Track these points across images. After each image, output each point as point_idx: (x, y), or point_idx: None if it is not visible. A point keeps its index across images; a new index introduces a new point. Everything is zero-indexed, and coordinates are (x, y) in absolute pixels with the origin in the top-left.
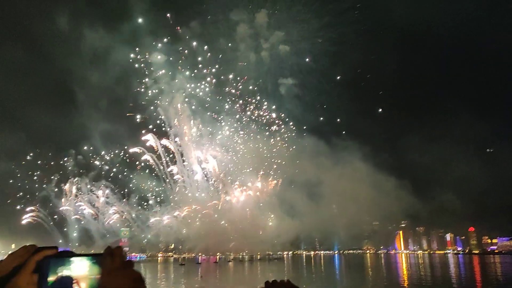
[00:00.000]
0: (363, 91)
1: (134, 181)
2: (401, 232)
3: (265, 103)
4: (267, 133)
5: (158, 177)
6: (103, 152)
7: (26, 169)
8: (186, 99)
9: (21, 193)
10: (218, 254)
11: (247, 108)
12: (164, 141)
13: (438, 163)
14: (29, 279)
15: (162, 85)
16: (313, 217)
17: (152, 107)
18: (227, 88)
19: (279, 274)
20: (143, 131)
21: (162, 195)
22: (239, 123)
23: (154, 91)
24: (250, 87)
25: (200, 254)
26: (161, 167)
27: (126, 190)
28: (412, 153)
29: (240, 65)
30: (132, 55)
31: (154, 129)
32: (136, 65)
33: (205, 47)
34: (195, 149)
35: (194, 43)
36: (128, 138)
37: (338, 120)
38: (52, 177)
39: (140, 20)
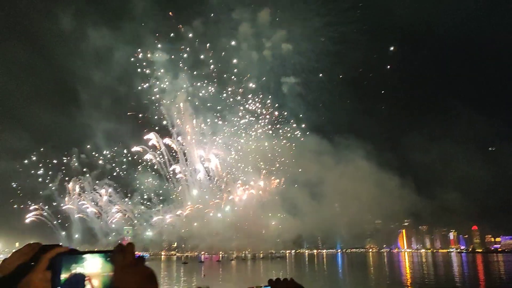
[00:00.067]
0: (365, 90)
1: (137, 180)
2: (404, 230)
3: (268, 101)
4: (270, 131)
5: (161, 176)
6: (106, 151)
7: (29, 168)
8: (189, 98)
9: (24, 192)
10: (220, 252)
11: (250, 107)
12: (167, 140)
13: (441, 162)
14: (42, 277)
15: (165, 84)
16: (315, 216)
17: (154, 106)
18: (229, 87)
19: (282, 272)
20: (146, 130)
21: (165, 194)
22: (241, 121)
23: (156, 90)
24: (253, 86)
25: (203, 252)
26: (164, 166)
27: (129, 189)
28: (414, 152)
29: (243, 64)
30: (134, 54)
31: (157, 128)
32: (138, 64)
33: (207, 45)
34: (198, 148)
35: (197, 42)
36: (131, 137)
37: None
38: (56, 176)
39: (142, 19)
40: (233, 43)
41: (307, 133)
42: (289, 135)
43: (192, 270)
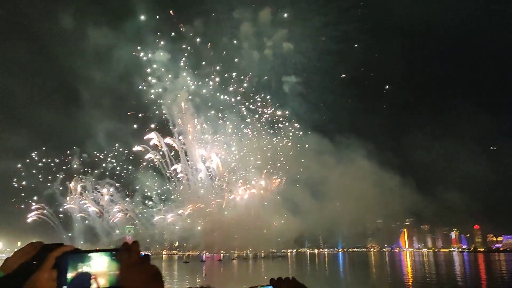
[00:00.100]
0: (367, 89)
1: (138, 179)
2: (405, 230)
3: (269, 101)
4: (271, 131)
5: (162, 175)
6: (106, 151)
7: (31, 168)
8: (190, 97)
9: (26, 192)
10: (222, 252)
11: (251, 106)
12: (168, 140)
13: (442, 161)
14: (48, 276)
15: (166, 83)
16: (317, 215)
17: (155, 106)
18: (230, 86)
19: (283, 272)
20: (147, 130)
21: (166, 193)
22: (242, 121)
23: (157, 89)
24: (254, 85)
25: (204, 252)
26: (165, 166)
27: (130, 188)
28: (416, 151)
29: (244, 63)
30: (135, 53)
31: (158, 127)
32: (139, 63)
33: (209, 45)
34: (199, 147)
35: (198, 41)
36: (132, 137)
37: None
38: (57, 176)
39: (143, 18)
40: (234, 42)
41: (308, 132)
42: (290, 134)
43: (193, 269)
